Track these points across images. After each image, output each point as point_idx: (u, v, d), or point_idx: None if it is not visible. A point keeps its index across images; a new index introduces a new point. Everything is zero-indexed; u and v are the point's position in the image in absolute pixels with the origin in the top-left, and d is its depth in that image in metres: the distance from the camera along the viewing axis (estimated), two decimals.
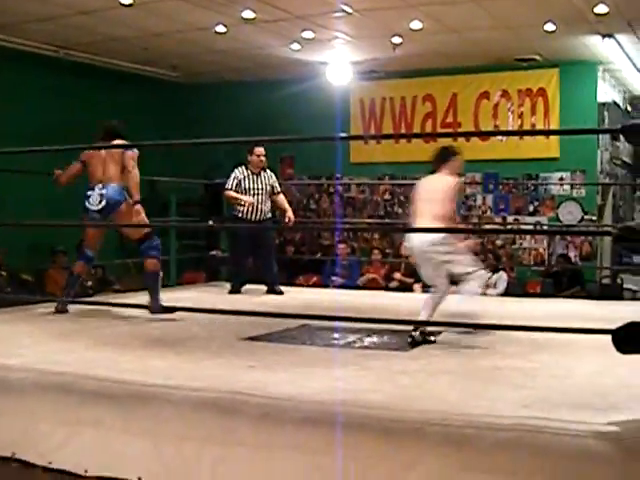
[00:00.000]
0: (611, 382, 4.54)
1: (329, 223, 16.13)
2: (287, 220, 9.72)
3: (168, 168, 12.86)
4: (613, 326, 3.47)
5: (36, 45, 12.96)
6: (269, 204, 9.68)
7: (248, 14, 11.07)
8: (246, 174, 9.62)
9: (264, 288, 9.65)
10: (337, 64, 13.92)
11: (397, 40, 12.28)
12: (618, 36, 11.84)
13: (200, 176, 13.30)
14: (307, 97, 14.83)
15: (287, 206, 9.83)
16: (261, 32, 12.10)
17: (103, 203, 7.32)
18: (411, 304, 8.77)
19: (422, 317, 6.06)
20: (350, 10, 10.85)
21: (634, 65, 13.60)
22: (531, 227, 14.37)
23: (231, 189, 9.57)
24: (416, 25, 11.49)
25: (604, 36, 11.81)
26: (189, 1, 10.57)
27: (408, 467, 3.50)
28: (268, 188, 9.64)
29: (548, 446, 3.36)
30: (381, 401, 4.01)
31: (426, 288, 12.23)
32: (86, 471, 4.18)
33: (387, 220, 15.35)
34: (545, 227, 14.21)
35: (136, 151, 7.63)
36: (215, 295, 9.37)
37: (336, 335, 6.33)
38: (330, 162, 14.83)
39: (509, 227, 14.59)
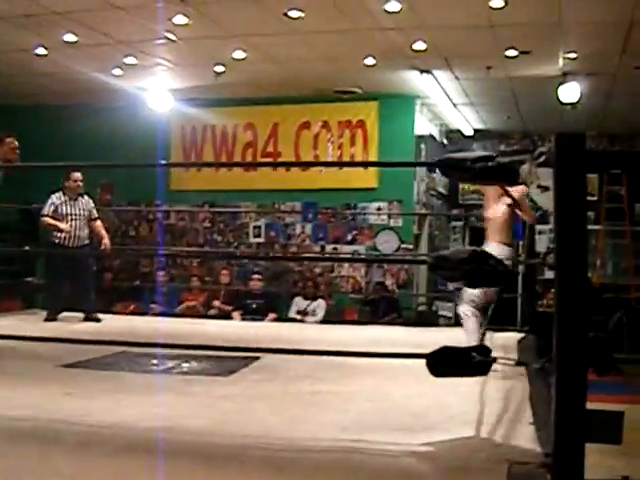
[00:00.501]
0: (427, 404, 4.67)
1: (150, 250, 15.99)
2: (103, 247, 9.60)
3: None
4: (425, 351, 3.57)
5: None
6: (87, 230, 9.55)
7: (70, 37, 10.89)
8: (63, 199, 9.47)
9: (81, 315, 9.49)
10: (158, 90, 13.84)
11: (219, 69, 12.33)
12: (435, 72, 12.23)
13: (20, 201, 12.99)
14: (128, 123, 14.68)
15: (104, 233, 9.73)
16: (83, 56, 11.91)
17: None
18: (229, 330, 8.84)
19: None
20: (174, 38, 10.84)
21: (450, 100, 14.05)
22: (350, 256, 14.63)
23: (48, 215, 9.40)
24: (238, 55, 11.56)
25: (422, 71, 12.17)
26: (9, 21, 10.32)
27: None
28: (86, 214, 9.53)
29: (364, 466, 3.42)
30: (201, 426, 4.02)
31: (245, 315, 12.39)
32: None
33: (207, 248, 15.33)
34: (363, 256, 14.48)
35: None
36: (31, 323, 9.14)
37: (155, 361, 6.29)
38: (150, 189, 14.71)
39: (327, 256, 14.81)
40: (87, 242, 9.62)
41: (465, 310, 6.60)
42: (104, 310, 10.45)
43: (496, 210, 7.07)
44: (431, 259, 3.65)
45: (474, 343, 6.33)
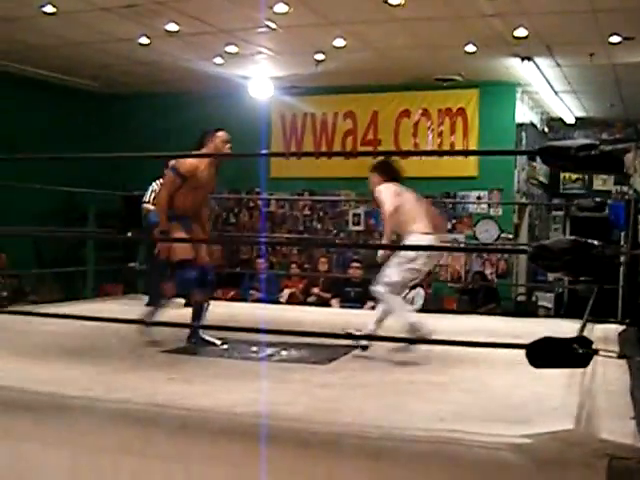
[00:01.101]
0: (524, 396, 4.62)
1: (251, 237, 16.12)
2: None
3: (86, 179, 12.73)
4: (525, 342, 3.53)
5: None
6: None
7: (172, 27, 11.03)
8: None
9: (182, 301, 9.57)
10: (259, 79, 13.94)
11: (320, 57, 12.35)
12: (537, 59, 12.07)
13: (119, 187, 13.20)
14: (229, 111, 14.79)
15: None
16: (184, 45, 12.07)
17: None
18: (329, 318, 8.86)
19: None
20: (274, 26, 10.89)
21: (551, 87, 13.86)
22: (449, 245, 14.55)
23: (149, 202, 9.49)
24: (339, 43, 11.57)
25: (523, 58, 12.02)
26: (113, 12, 10.50)
27: (326, 479, 3.53)
28: None
29: (463, 458, 3.41)
30: (299, 414, 4.04)
31: (344, 303, 12.40)
32: None
33: (306, 235, 15.40)
34: (462, 245, 14.40)
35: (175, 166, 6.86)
36: (133, 307, 9.29)
37: (254, 348, 6.33)
38: (250, 176, 14.84)
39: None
40: None
41: (379, 289, 6.53)
42: None
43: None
44: (532, 249, 3.60)
45: (409, 315, 6.31)
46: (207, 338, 6.58)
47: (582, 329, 4.28)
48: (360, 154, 16.44)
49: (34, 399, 4.29)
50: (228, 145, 7.04)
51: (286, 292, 13.42)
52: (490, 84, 13.87)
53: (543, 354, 3.49)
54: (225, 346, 6.48)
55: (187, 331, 6.65)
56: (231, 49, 12.20)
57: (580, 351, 3.44)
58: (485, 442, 3.48)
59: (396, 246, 6.90)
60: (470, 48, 11.58)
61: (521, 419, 3.99)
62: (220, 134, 7.02)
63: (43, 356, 5.71)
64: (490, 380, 5.20)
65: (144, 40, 11.82)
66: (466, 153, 15.07)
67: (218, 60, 12.91)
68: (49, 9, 10.37)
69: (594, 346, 3.51)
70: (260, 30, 11.16)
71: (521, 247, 14.01)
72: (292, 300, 12.93)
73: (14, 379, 4.69)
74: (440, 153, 15.23)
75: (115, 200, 14.39)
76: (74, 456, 4.02)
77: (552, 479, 3.27)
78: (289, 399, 4.40)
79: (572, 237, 3.53)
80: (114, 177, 14.05)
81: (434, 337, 5.37)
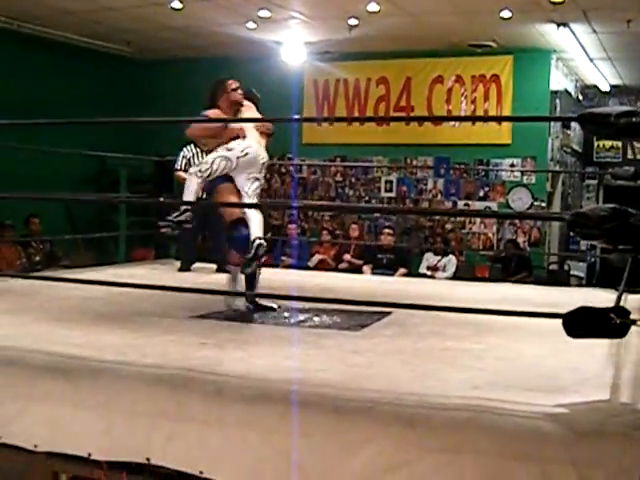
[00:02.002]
0: (559, 365, 4.58)
1: (283, 203, 16.13)
2: None
3: (119, 144, 12.76)
4: (560, 311, 3.50)
5: None
6: None
7: None
8: (194, 152, 9.54)
9: (214, 266, 9.59)
10: (292, 44, 13.88)
11: (353, 22, 12.29)
12: (573, 25, 11.94)
13: (151, 153, 13.20)
14: (261, 76, 14.72)
15: None
16: (217, 9, 12.04)
17: None
18: (361, 285, 8.84)
19: None
20: None
21: (587, 54, 13.72)
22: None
23: (181, 169, 9.48)
24: (373, 7, 11.50)
25: (559, 25, 11.91)
26: None
27: (359, 445, 3.52)
28: None
29: (498, 426, 3.39)
30: (332, 380, 4.03)
31: (375, 270, 12.40)
32: (36, 446, 4.16)
33: (338, 201, 15.38)
34: (496, 212, 14.36)
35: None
36: (165, 272, 9.32)
37: (286, 314, 6.34)
38: (282, 142, 14.80)
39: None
40: None
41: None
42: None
43: None
44: (570, 216, 3.56)
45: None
46: (265, 304, 6.61)
47: (619, 299, 4.23)
48: (393, 119, 16.41)
49: (70, 363, 4.31)
50: (239, 90, 6.97)
51: (316, 258, 13.43)
52: (525, 50, 13.76)
53: (580, 324, 3.45)
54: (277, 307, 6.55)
55: (220, 298, 6.65)
56: (264, 13, 12.16)
57: (617, 321, 3.41)
58: (521, 411, 3.46)
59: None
60: (505, 14, 11.47)
61: (556, 389, 3.96)
62: (230, 82, 6.98)
63: (77, 321, 5.73)
64: (523, 349, 5.17)
65: (177, 4, 11.80)
66: (504, 119, 15.02)
67: (251, 25, 12.87)
68: None
69: (631, 316, 3.47)
70: None
71: (558, 215, 13.91)
72: (321, 266, 12.94)
73: (50, 343, 4.72)
74: (475, 119, 15.16)
75: (147, 165, 14.43)
76: (108, 420, 4.04)
77: (590, 450, 3.24)
78: (322, 365, 4.39)
79: (611, 205, 3.48)
80: (146, 142, 14.05)
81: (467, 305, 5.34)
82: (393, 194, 15.14)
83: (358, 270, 12.59)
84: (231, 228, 6.72)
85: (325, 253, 13.61)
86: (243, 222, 6.63)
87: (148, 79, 15.88)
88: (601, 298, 6.17)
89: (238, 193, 6.68)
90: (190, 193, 6.50)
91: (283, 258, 13.32)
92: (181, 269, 9.52)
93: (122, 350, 4.60)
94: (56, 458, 4.17)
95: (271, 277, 9.14)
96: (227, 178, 6.69)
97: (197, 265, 9.66)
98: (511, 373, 4.41)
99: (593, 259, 15.47)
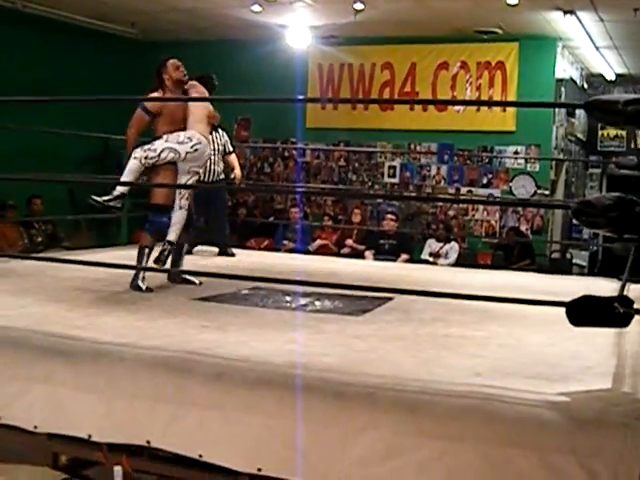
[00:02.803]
0: (561, 353, 4.58)
1: (286, 187, 16.12)
2: (233, 177, 9.66)
3: (121, 126, 12.72)
4: (562, 299, 3.49)
5: None
6: (222, 165, 9.53)
7: None
8: (227, 138, 9.58)
9: (215, 250, 9.59)
10: (297, 28, 13.84)
11: (359, 6, 12.23)
12: (579, 13, 11.89)
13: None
14: (266, 60, 14.76)
15: (236, 164, 9.76)
16: None
17: None
18: (361, 270, 8.83)
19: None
20: None
21: (593, 42, 13.67)
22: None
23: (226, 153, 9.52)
24: None
25: (565, 12, 11.85)
26: None
27: (360, 431, 3.52)
28: (220, 148, 9.49)
29: (499, 414, 3.39)
30: (334, 364, 4.03)
31: (377, 255, 12.39)
32: (36, 427, 4.16)
33: (341, 186, 15.37)
34: (498, 199, 14.34)
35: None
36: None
37: (288, 298, 6.32)
38: (286, 126, 14.82)
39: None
40: (222, 177, 9.60)
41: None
42: (238, 245, 10.58)
43: None
44: (575, 204, 3.55)
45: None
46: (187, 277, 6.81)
47: (622, 288, 4.22)
48: (396, 102, 16.35)
49: (70, 344, 4.31)
50: (181, 69, 6.98)
51: (317, 243, 13.43)
52: (530, 38, 13.71)
53: (584, 312, 3.44)
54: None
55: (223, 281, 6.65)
56: None
57: (621, 311, 3.40)
58: (523, 399, 3.46)
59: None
60: (512, 0, 11.42)
61: (558, 377, 3.96)
62: (172, 61, 7.04)
63: (78, 302, 5.72)
64: (526, 337, 5.17)
65: None
66: (508, 104, 14.94)
67: (256, 8, 12.81)
68: None
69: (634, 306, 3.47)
70: None
71: (563, 203, 13.89)
72: (323, 251, 12.93)
73: (51, 324, 4.72)
74: (479, 103, 15.12)
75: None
76: (109, 402, 4.04)
77: (591, 439, 3.24)
78: (324, 350, 4.39)
79: (616, 194, 3.47)
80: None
81: (469, 291, 5.33)
82: (396, 180, 15.12)
83: (360, 255, 12.59)
84: (153, 211, 6.82)
85: (327, 238, 13.60)
86: (166, 210, 6.71)
87: (153, 61, 15.74)
88: (603, 287, 6.18)
89: (174, 175, 6.72)
90: (130, 175, 6.56)
91: (285, 242, 13.32)
92: (225, 253, 9.49)
93: (123, 332, 4.60)
94: (56, 439, 4.17)
95: (273, 261, 9.17)
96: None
97: (199, 248, 9.64)
98: (513, 361, 4.40)
99: (595, 248, 15.46)
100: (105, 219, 12.72)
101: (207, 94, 7.35)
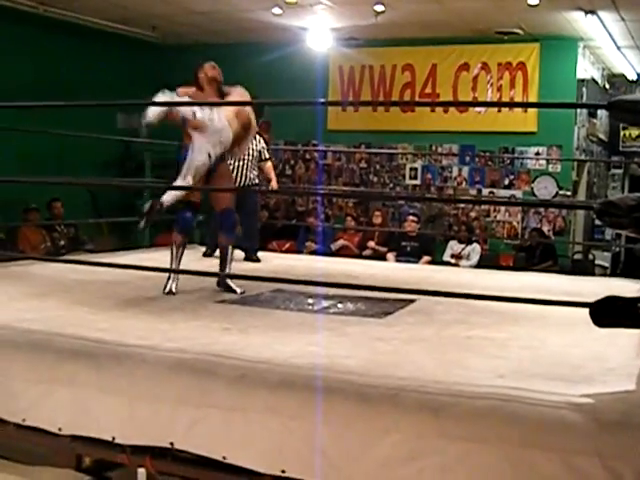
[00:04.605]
0: (584, 355, 4.57)
1: (308, 189, 16.13)
2: (270, 189, 9.64)
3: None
4: (585, 300, 3.48)
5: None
6: (255, 171, 9.45)
7: None
8: (263, 144, 9.51)
9: (241, 253, 9.50)
10: (318, 30, 13.84)
11: (379, 8, 12.22)
12: (600, 13, 11.83)
13: (176, 137, 13.18)
14: (286, 62, 14.78)
15: (273, 175, 9.69)
16: None
17: None
18: (383, 272, 8.82)
19: None
20: None
21: (614, 43, 13.61)
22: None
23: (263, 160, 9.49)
24: None
25: (587, 12, 11.80)
26: None
27: (383, 433, 3.52)
28: (255, 154, 9.39)
29: (522, 415, 3.38)
30: (357, 366, 4.03)
31: (399, 257, 12.38)
32: (60, 429, 4.18)
33: (362, 188, 15.36)
34: (520, 201, 14.31)
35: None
36: (189, 257, 9.31)
37: (310, 300, 6.32)
38: (307, 128, 14.82)
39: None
40: (255, 182, 9.50)
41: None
42: (260, 247, 10.58)
43: None
44: (598, 205, 3.54)
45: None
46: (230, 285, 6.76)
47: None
48: (417, 104, 16.34)
49: (94, 347, 4.33)
50: (217, 69, 7.20)
51: (339, 242, 13.45)
52: (551, 38, 13.67)
53: (607, 313, 3.43)
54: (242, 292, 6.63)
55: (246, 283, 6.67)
56: None
57: None
58: (546, 400, 3.45)
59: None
60: (532, 1, 11.39)
61: (581, 378, 3.95)
62: (208, 62, 7.13)
63: (101, 305, 5.74)
64: (548, 338, 5.15)
65: None
66: (530, 105, 14.90)
67: (276, 10, 12.82)
68: None
69: None
70: None
71: (587, 204, 13.84)
72: (345, 253, 12.93)
73: (74, 327, 4.74)
74: (500, 105, 15.07)
75: (171, 150, 14.41)
76: (132, 404, 4.06)
77: (615, 441, 3.22)
78: (347, 352, 4.39)
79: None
80: (171, 127, 14.04)
81: (491, 293, 5.31)
82: (418, 181, 15.11)
83: (382, 257, 12.59)
84: (180, 207, 6.82)
85: (349, 240, 13.61)
86: (192, 205, 6.81)
87: (173, 64, 15.82)
88: (626, 288, 6.16)
89: (231, 178, 6.79)
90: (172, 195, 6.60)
91: (307, 244, 13.33)
92: (205, 254, 9.50)
93: (146, 334, 4.62)
94: (80, 441, 4.20)
95: (295, 263, 9.17)
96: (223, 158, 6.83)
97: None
98: (536, 362, 4.39)
99: (618, 249, 15.39)
100: (127, 222, 12.77)
101: (247, 98, 7.26)
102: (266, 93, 13.38)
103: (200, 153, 6.60)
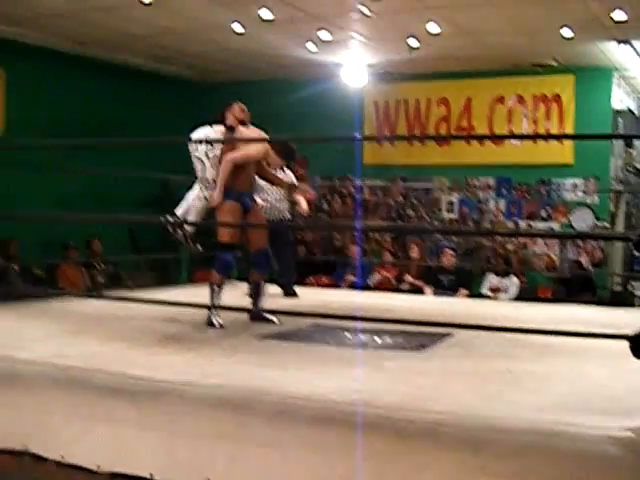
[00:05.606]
0: (625, 388, 4.51)
1: (345, 224, 16.14)
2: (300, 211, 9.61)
3: (181, 166, 12.84)
4: (625, 332, 3.45)
5: (54, 41, 12.97)
6: (287, 203, 9.45)
7: (265, 13, 11.07)
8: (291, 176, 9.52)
9: (279, 289, 9.44)
10: (352, 65, 13.91)
11: (413, 43, 12.26)
12: (634, 42, 11.80)
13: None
14: (322, 98, 14.85)
15: (302, 199, 9.67)
16: (278, 32, 12.09)
17: None
18: (423, 306, 8.81)
19: None
20: (367, 12, 10.83)
21: None
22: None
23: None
24: (433, 28, 11.48)
25: (620, 42, 11.77)
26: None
27: (422, 468, 3.50)
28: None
29: (563, 450, 3.35)
30: (396, 401, 4.00)
31: (437, 291, 12.34)
32: (99, 466, 4.19)
33: (399, 222, 15.35)
34: (558, 233, 14.23)
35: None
36: (229, 293, 9.31)
37: (349, 335, 6.31)
38: (343, 163, 14.85)
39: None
40: (288, 215, 9.47)
41: None
42: (297, 282, 10.58)
43: None
44: (637, 236, 3.52)
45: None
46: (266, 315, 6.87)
47: None
48: (453, 137, 16.34)
49: (132, 383, 4.34)
50: (246, 112, 7.29)
51: (376, 276, 13.44)
52: (586, 69, 13.64)
53: None
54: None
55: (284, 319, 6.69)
56: (324, 35, 12.19)
57: None
58: (587, 435, 3.41)
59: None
60: (566, 32, 11.38)
61: (623, 412, 3.90)
62: (238, 104, 7.28)
63: (139, 341, 5.76)
64: (589, 371, 5.10)
65: (238, 27, 11.88)
66: (566, 137, 14.85)
67: (311, 47, 12.91)
68: None
69: None
70: (354, 16, 11.13)
71: (624, 235, 13.73)
72: (383, 287, 12.90)
73: (112, 363, 4.75)
74: (535, 137, 15.03)
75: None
76: (170, 440, 4.06)
77: None
78: (385, 386, 4.37)
79: None
80: None
81: (530, 326, 5.27)
82: (455, 215, 15.09)
83: (419, 291, 12.55)
84: (219, 248, 6.88)
85: (386, 274, 13.59)
86: (231, 247, 6.86)
87: (210, 102, 15.86)
88: None
89: (237, 213, 6.86)
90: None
91: (346, 278, 13.33)
92: (288, 294, 9.35)
93: (184, 371, 4.62)
94: (118, 479, 4.19)
95: (333, 298, 9.17)
96: (227, 196, 6.85)
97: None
98: (577, 395, 4.35)
99: None
100: (166, 259, 12.84)
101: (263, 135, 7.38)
102: (302, 129, 13.49)
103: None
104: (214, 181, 6.96)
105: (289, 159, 7.63)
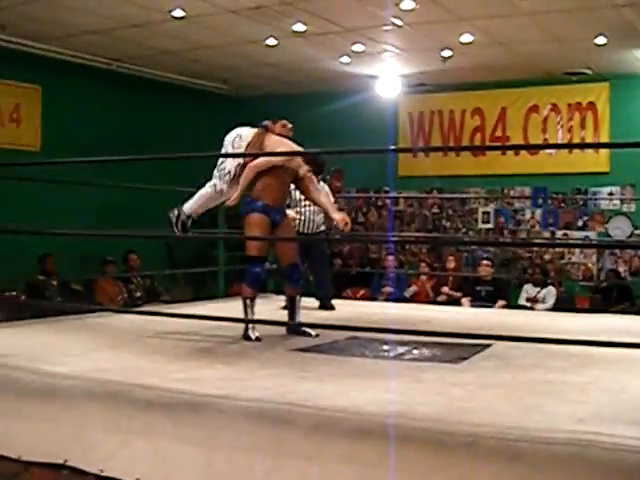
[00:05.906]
0: None
1: (380, 236, 16.14)
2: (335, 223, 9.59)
3: None
4: None
5: (88, 57, 13.09)
6: (322, 215, 9.44)
7: (299, 27, 11.13)
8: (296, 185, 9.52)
9: (315, 302, 9.43)
10: (386, 77, 13.93)
11: (447, 53, 12.27)
12: None
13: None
14: (356, 110, 14.88)
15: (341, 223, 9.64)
16: (311, 45, 12.14)
17: None
18: (458, 317, 8.77)
19: None
20: (400, 23, 10.86)
21: None
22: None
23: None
24: (466, 38, 11.48)
25: None
26: (240, 14, 10.63)
27: None
28: None
29: (604, 462, 3.31)
30: (433, 413, 3.99)
31: (474, 302, 12.29)
32: None
33: (435, 234, 15.33)
34: (594, 242, 14.12)
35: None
36: (264, 306, 9.33)
37: (386, 347, 6.29)
38: (378, 175, 14.85)
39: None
40: (322, 228, 9.49)
41: None
42: (334, 295, 10.57)
43: None
44: None
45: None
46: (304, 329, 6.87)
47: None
48: (488, 148, 16.31)
49: (170, 397, 4.35)
50: (288, 127, 7.53)
51: (412, 288, 13.43)
52: (620, 76, 13.58)
53: None
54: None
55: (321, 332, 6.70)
56: (358, 48, 12.23)
57: None
58: (628, 445, 3.38)
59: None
60: (600, 40, 11.34)
61: None
62: (283, 120, 7.53)
63: (177, 355, 5.78)
64: (628, 381, 5.06)
65: (272, 41, 11.95)
66: (600, 146, 14.78)
67: (345, 59, 12.95)
68: (178, 13, 10.58)
69: None
70: (386, 28, 11.17)
71: None
72: (419, 299, 12.89)
73: (150, 377, 4.77)
74: (571, 146, 14.98)
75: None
76: (209, 454, 4.06)
77: None
78: (423, 399, 4.35)
79: None
80: None
81: (568, 336, 5.25)
82: (491, 225, 15.04)
83: (456, 302, 12.52)
84: (249, 262, 6.87)
85: (423, 285, 13.57)
86: (261, 259, 6.86)
87: (245, 116, 15.89)
88: None
89: (265, 226, 6.87)
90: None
91: (382, 290, 13.32)
92: (325, 307, 9.35)
93: (222, 384, 4.62)
94: None
95: (370, 310, 9.15)
96: (255, 209, 6.93)
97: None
98: (616, 406, 4.31)
99: None
100: (202, 273, 12.90)
101: (294, 148, 7.42)
102: (336, 141, 13.50)
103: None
104: (229, 173, 7.03)
105: (318, 171, 7.61)
